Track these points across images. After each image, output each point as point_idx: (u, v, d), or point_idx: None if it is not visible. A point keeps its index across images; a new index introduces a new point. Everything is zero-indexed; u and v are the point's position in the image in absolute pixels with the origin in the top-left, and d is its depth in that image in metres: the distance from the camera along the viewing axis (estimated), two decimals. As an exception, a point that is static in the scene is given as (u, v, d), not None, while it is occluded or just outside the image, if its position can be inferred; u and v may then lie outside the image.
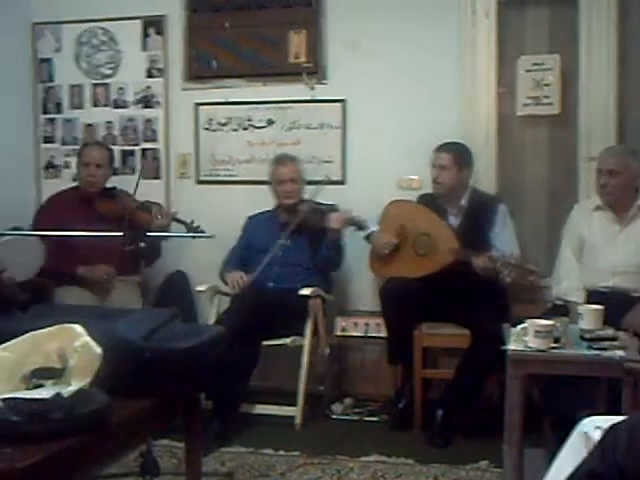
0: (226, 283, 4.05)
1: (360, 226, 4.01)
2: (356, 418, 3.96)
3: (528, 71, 4.11)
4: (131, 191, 3.66)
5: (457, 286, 3.72)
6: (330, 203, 4.08)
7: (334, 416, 3.98)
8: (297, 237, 4.02)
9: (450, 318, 3.80)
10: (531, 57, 4.13)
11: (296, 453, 3.47)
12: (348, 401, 4.08)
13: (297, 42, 4.40)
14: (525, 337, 2.76)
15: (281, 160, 4.20)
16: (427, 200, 4.02)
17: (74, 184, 4.51)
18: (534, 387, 3.33)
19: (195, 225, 4.00)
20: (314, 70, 4.39)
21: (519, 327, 2.88)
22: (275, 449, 3.50)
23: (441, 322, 3.83)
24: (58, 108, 4.76)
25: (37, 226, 4.13)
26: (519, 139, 4.29)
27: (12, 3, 4.54)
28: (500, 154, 4.22)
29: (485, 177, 4.16)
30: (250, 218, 4.27)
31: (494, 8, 4.13)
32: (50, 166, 4.79)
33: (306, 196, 4.13)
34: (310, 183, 4.17)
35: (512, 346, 2.76)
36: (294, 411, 3.83)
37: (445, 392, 3.73)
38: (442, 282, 3.73)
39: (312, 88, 4.40)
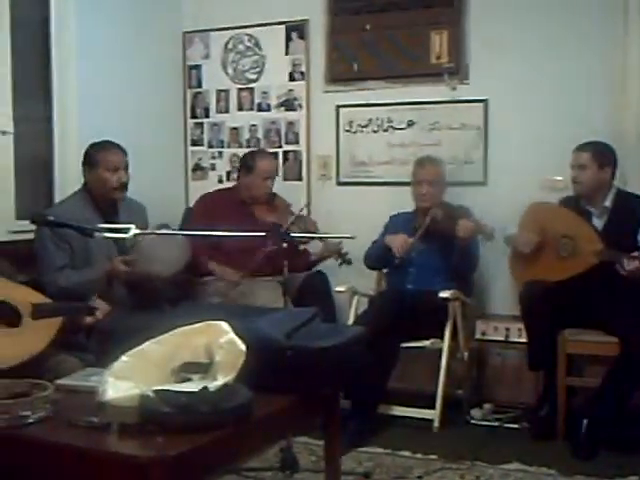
0: (373, 268, 4.19)
1: (489, 237, 3.89)
2: (496, 424, 3.87)
3: (685, 66, 3.89)
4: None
5: (602, 290, 3.56)
6: (464, 207, 4.01)
7: (473, 421, 3.91)
8: (431, 240, 3.98)
9: (596, 324, 3.64)
10: (688, 51, 3.91)
11: (434, 457, 3.44)
12: (488, 406, 4.00)
13: (438, 42, 4.36)
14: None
15: (421, 162, 4.17)
16: (569, 202, 3.88)
17: (221, 186, 4.68)
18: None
19: (344, 252, 4.05)
20: (455, 70, 4.34)
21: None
22: (413, 451, 3.48)
23: (587, 328, 3.68)
24: (206, 112, 4.95)
25: (189, 221, 4.29)
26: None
27: (165, 14, 4.76)
28: (653, 153, 4.02)
29: (637, 177, 3.97)
30: (392, 217, 4.27)
31: (647, 0, 3.95)
32: (197, 168, 4.99)
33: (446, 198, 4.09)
34: (450, 185, 4.13)
35: (665, 356, 2.62)
36: (432, 414, 3.80)
37: (591, 401, 3.58)
38: (586, 286, 3.58)
39: (453, 88, 4.35)
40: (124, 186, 3.51)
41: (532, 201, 3.96)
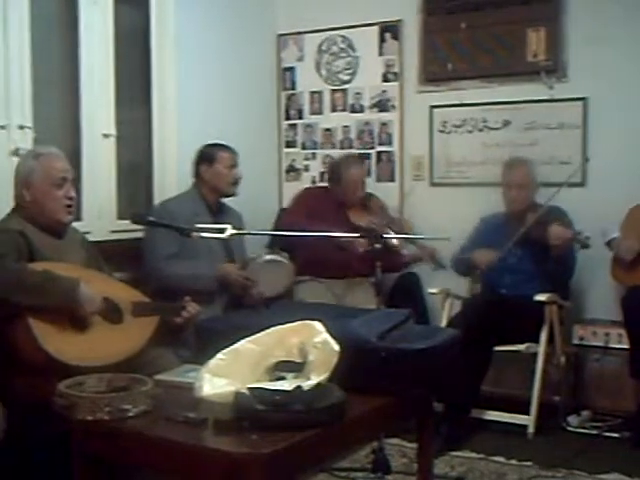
0: (461, 273, 4.10)
1: (583, 245, 3.71)
2: (594, 432, 3.75)
3: None
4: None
5: None
6: (560, 210, 3.90)
7: (570, 428, 3.79)
8: (526, 245, 3.89)
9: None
10: None
11: (528, 463, 3.36)
12: (585, 414, 3.88)
13: (535, 40, 4.26)
14: None
15: (510, 163, 4.08)
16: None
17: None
18: None
19: (439, 257, 4.01)
20: (553, 68, 4.23)
21: None
22: (507, 457, 3.42)
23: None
24: (299, 114, 5.00)
25: (289, 208, 4.38)
26: None
27: (260, 17, 4.83)
28: None
29: None
30: (482, 220, 4.20)
31: None
32: (291, 169, 5.04)
33: (540, 200, 3.99)
34: (547, 186, 4.02)
35: None
36: (527, 420, 3.72)
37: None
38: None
39: (551, 87, 4.25)
40: (238, 182, 3.78)
41: (634, 203, 3.84)
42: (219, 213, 3.78)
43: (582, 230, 3.70)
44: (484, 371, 3.72)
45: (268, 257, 3.72)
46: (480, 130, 4.47)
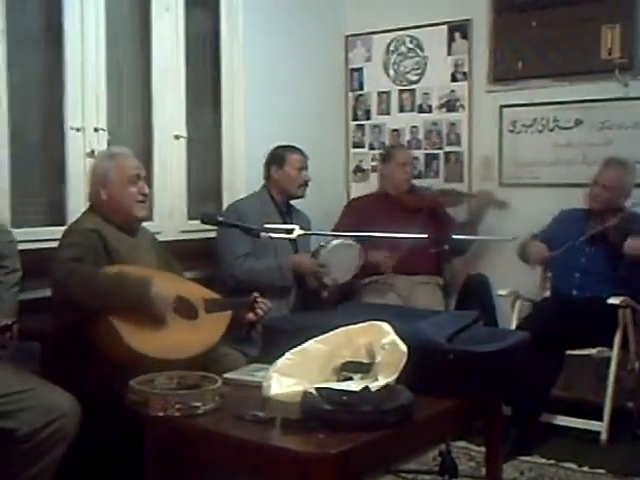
0: (525, 260, 4.03)
1: None
2: (670, 441, 3.65)
3: None
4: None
5: None
6: None
7: (644, 436, 3.71)
8: (600, 245, 3.80)
9: None
10: None
11: (601, 471, 3.28)
12: (661, 421, 3.78)
13: (610, 37, 4.16)
14: None
15: (605, 162, 3.97)
16: None
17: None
18: None
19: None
20: (628, 66, 4.12)
21: None
22: (578, 464, 3.34)
23: None
24: (367, 114, 4.99)
25: (337, 223, 4.40)
26: None
27: (328, 18, 4.84)
28: None
29: None
30: (562, 212, 4.11)
31: None
32: (358, 170, 5.04)
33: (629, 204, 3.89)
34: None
35: None
36: (599, 426, 3.62)
37: None
38: None
39: (626, 85, 4.14)
40: (307, 184, 3.86)
41: None
42: (288, 214, 3.84)
43: None
44: (555, 375, 3.65)
45: (336, 241, 3.73)
46: (551, 130, 4.39)
